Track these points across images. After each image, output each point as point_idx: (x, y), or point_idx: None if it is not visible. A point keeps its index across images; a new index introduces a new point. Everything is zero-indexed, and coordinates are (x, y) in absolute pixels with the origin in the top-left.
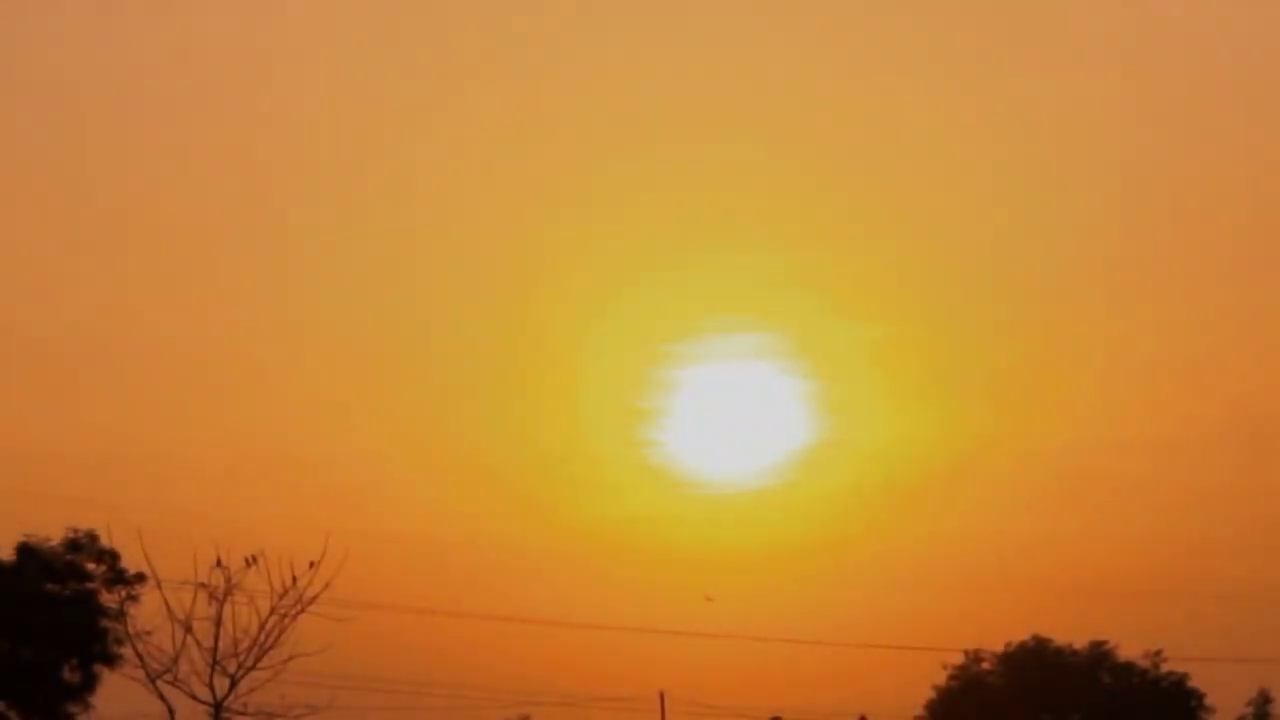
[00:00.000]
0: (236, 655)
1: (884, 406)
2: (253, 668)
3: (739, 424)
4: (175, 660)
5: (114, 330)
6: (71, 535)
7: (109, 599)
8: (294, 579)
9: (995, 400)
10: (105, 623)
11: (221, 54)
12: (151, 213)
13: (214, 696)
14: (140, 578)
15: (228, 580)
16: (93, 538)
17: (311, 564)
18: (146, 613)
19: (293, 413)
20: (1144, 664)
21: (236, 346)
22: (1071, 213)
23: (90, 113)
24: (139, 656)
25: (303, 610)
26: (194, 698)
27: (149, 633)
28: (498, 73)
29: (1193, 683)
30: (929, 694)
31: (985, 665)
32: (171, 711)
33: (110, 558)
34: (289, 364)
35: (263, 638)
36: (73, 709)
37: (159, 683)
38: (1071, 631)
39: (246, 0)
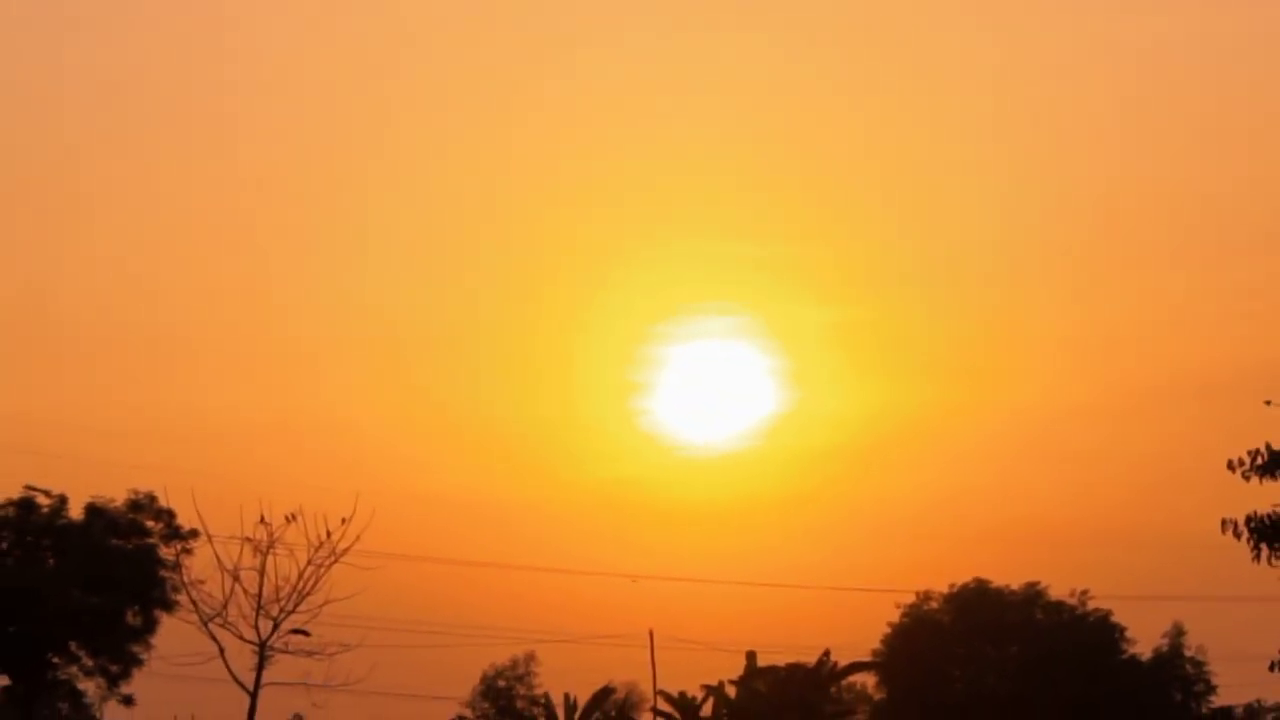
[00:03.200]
0: (278, 600)
1: (844, 379)
2: (293, 611)
3: (717, 395)
4: (225, 605)
5: (168, 313)
6: (133, 496)
7: (166, 552)
8: (328, 534)
9: (941, 374)
10: (163, 573)
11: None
12: (196, 202)
13: (259, 636)
14: (194, 533)
15: (270, 535)
16: (152, 498)
17: (343, 520)
18: (199, 564)
19: (326, 387)
20: (1072, 602)
21: (276, 328)
22: (1013, 207)
23: (148, 104)
24: (193, 602)
25: (336, 561)
26: (241, 638)
27: (202, 581)
28: (509, 88)
29: (1115, 618)
30: (885, 630)
31: (933, 604)
32: (222, 650)
33: (167, 516)
34: (323, 343)
35: (301, 585)
36: (135, 649)
37: (211, 625)
38: (1008, 574)
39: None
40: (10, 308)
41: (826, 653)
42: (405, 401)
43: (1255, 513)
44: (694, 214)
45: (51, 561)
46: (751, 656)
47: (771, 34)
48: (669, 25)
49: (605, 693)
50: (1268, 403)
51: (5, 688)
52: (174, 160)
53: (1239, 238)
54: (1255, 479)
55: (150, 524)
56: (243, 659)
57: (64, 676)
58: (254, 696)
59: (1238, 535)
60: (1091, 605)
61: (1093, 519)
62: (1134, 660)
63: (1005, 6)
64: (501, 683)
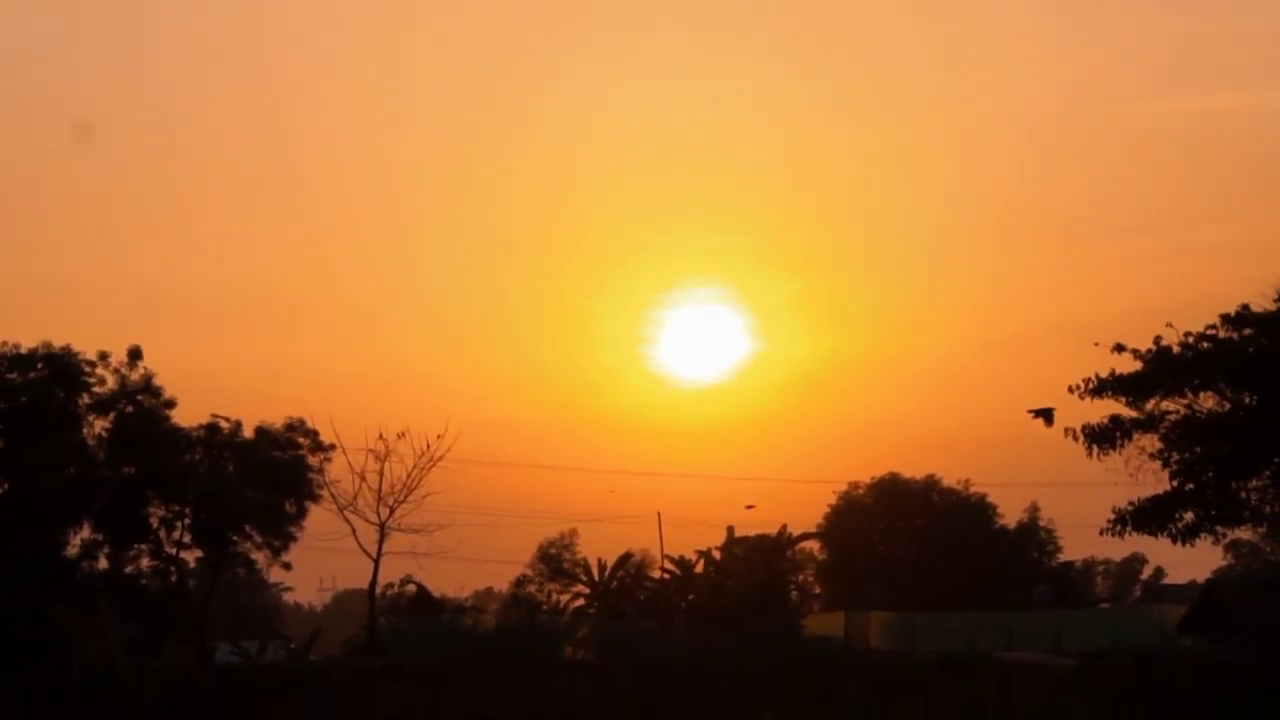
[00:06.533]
0: (393, 494)
1: (800, 333)
2: (403, 501)
3: (705, 344)
4: (355, 498)
5: (314, 296)
6: (289, 421)
7: (313, 461)
8: (428, 446)
9: (873, 328)
10: (310, 475)
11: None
12: (319, 216)
13: (379, 519)
14: (332, 447)
15: (387, 448)
16: (302, 422)
17: (439, 436)
18: (336, 469)
19: (420, 347)
20: (959, 488)
21: (387, 305)
22: (933, 202)
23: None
24: (332, 496)
25: (433, 466)
26: (367, 520)
27: (338, 481)
28: (549, 111)
29: (990, 499)
30: (826, 509)
31: (861, 491)
32: (353, 529)
33: (313, 434)
34: (415, 316)
35: (409, 483)
36: (291, 529)
37: (345, 512)
38: (913, 468)
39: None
40: (196, 290)
41: (784, 526)
42: (479, 355)
43: (1088, 423)
44: (688, 210)
45: (231, 469)
46: (731, 530)
47: (749, 71)
48: (674, 61)
49: (626, 557)
50: (1096, 344)
51: (200, 558)
52: (295, 188)
53: (1105, 227)
54: (1088, 399)
55: (301, 440)
56: (367, 536)
57: (241, 550)
58: (376, 562)
59: (1076, 439)
60: (973, 490)
61: (973, 430)
62: (1003, 529)
63: (932, 52)
64: (553, 551)
